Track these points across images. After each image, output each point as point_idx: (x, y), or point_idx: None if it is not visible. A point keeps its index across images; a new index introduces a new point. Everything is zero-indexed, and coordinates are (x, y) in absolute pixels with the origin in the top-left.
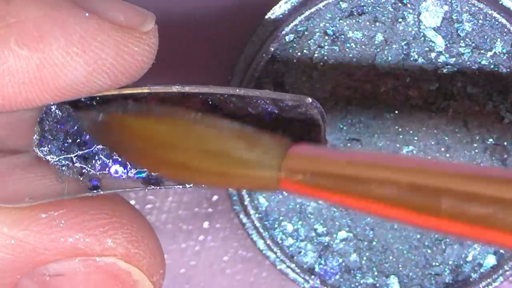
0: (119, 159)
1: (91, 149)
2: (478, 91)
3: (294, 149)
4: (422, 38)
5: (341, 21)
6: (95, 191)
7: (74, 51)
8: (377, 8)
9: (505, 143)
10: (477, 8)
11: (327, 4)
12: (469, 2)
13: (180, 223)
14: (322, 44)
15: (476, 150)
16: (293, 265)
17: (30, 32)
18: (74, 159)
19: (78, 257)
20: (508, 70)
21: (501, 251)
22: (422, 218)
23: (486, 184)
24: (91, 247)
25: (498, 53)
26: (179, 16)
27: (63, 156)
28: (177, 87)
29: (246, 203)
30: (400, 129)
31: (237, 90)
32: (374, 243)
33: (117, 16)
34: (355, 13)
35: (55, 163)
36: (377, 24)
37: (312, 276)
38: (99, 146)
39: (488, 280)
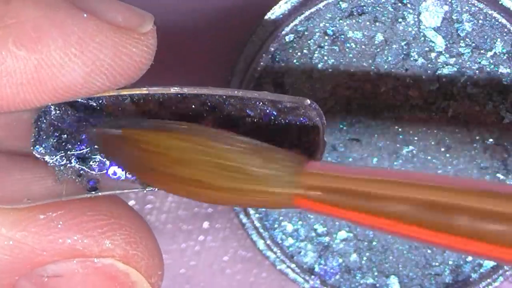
0: None
1: (87, 149)
2: (478, 91)
3: (310, 165)
4: (422, 38)
5: (341, 21)
6: (93, 192)
7: (72, 52)
8: (377, 8)
9: (505, 143)
10: (477, 8)
11: (327, 4)
12: (469, 2)
13: (180, 223)
14: (322, 44)
15: (476, 150)
16: (293, 265)
17: (28, 33)
18: (72, 159)
19: (76, 258)
20: (508, 70)
21: None
22: (436, 236)
23: (499, 201)
24: (89, 248)
25: (498, 53)
26: (178, 17)
27: (60, 156)
28: (175, 88)
29: None
30: (400, 129)
31: (236, 91)
32: (374, 243)
33: (116, 17)
34: (355, 13)
35: (53, 163)
36: (377, 24)
37: (312, 276)
38: (96, 146)
39: (488, 280)
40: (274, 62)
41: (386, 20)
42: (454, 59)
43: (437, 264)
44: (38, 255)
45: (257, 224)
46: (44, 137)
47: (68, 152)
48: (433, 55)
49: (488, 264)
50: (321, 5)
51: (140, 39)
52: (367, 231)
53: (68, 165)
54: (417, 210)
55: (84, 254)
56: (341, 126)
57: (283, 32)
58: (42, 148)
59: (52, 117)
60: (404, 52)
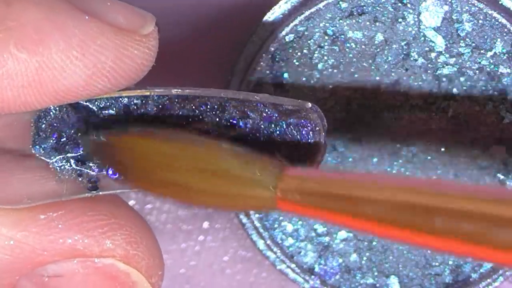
0: None
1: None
2: (478, 91)
3: (290, 170)
4: (422, 38)
5: (341, 21)
6: (94, 192)
7: (73, 55)
8: (377, 8)
9: (505, 143)
10: (477, 8)
11: (327, 4)
12: (469, 2)
13: (180, 223)
14: (322, 44)
15: (476, 150)
16: (293, 265)
17: (29, 35)
18: (71, 160)
19: (76, 258)
20: (508, 70)
21: None
22: (416, 237)
23: (479, 202)
24: (90, 248)
25: (498, 53)
26: (178, 17)
27: (60, 157)
28: (176, 89)
29: None
30: (400, 129)
31: (237, 94)
32: (374, 243)
33: (117, 19)
34: (355, 13)
35: (53, 163)
36: (377, 24)
37: (312, 276)
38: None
39: (488, 280)
40: (274, 62)
41: (386, 20)
42: (454, 59)
43: (437, 264)
44: (38, 255)
45: (257, 224)
46: (43, 138)
47: (67, 154)
48: (433, 55)
49: (488, 264)
50: (321, 5)
51: (141, 41)
52: None
53: (68, 165)
54: (397, 212)
55: (84, 254)
56: (341, 126)
57: (283, 32)
58: (41, 148)
59: (52, 118)
60: (404, 52)
